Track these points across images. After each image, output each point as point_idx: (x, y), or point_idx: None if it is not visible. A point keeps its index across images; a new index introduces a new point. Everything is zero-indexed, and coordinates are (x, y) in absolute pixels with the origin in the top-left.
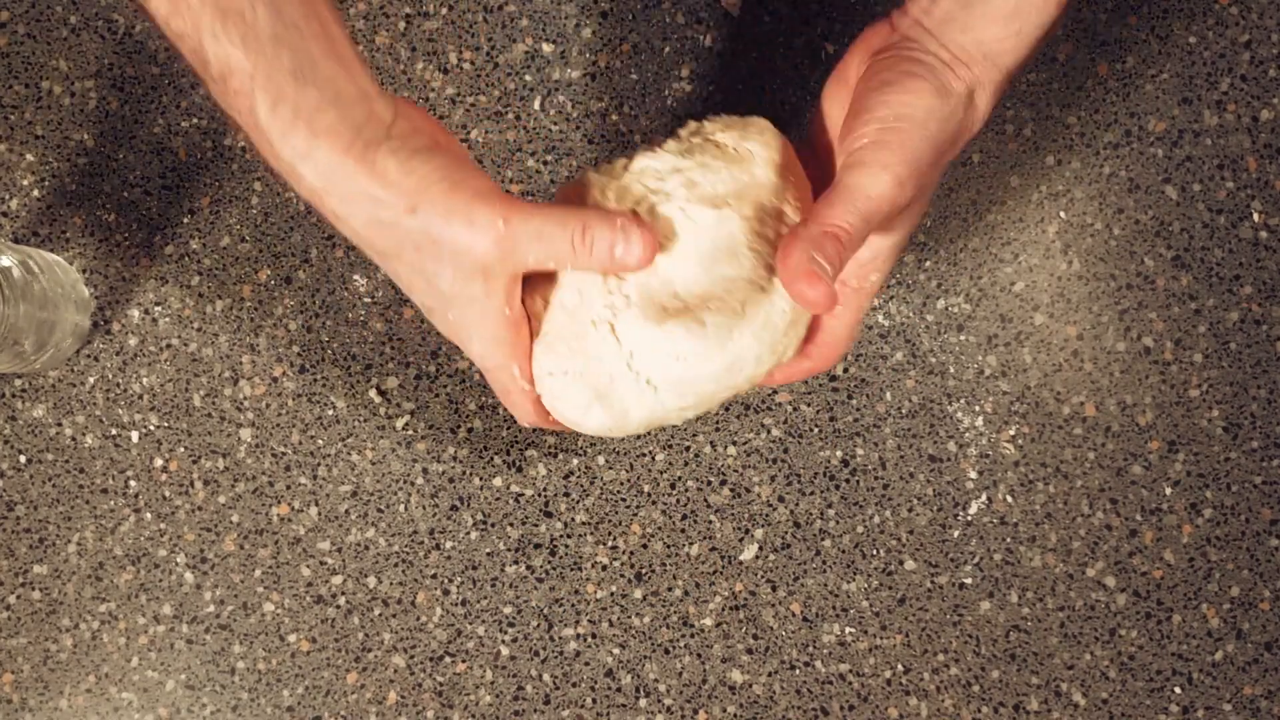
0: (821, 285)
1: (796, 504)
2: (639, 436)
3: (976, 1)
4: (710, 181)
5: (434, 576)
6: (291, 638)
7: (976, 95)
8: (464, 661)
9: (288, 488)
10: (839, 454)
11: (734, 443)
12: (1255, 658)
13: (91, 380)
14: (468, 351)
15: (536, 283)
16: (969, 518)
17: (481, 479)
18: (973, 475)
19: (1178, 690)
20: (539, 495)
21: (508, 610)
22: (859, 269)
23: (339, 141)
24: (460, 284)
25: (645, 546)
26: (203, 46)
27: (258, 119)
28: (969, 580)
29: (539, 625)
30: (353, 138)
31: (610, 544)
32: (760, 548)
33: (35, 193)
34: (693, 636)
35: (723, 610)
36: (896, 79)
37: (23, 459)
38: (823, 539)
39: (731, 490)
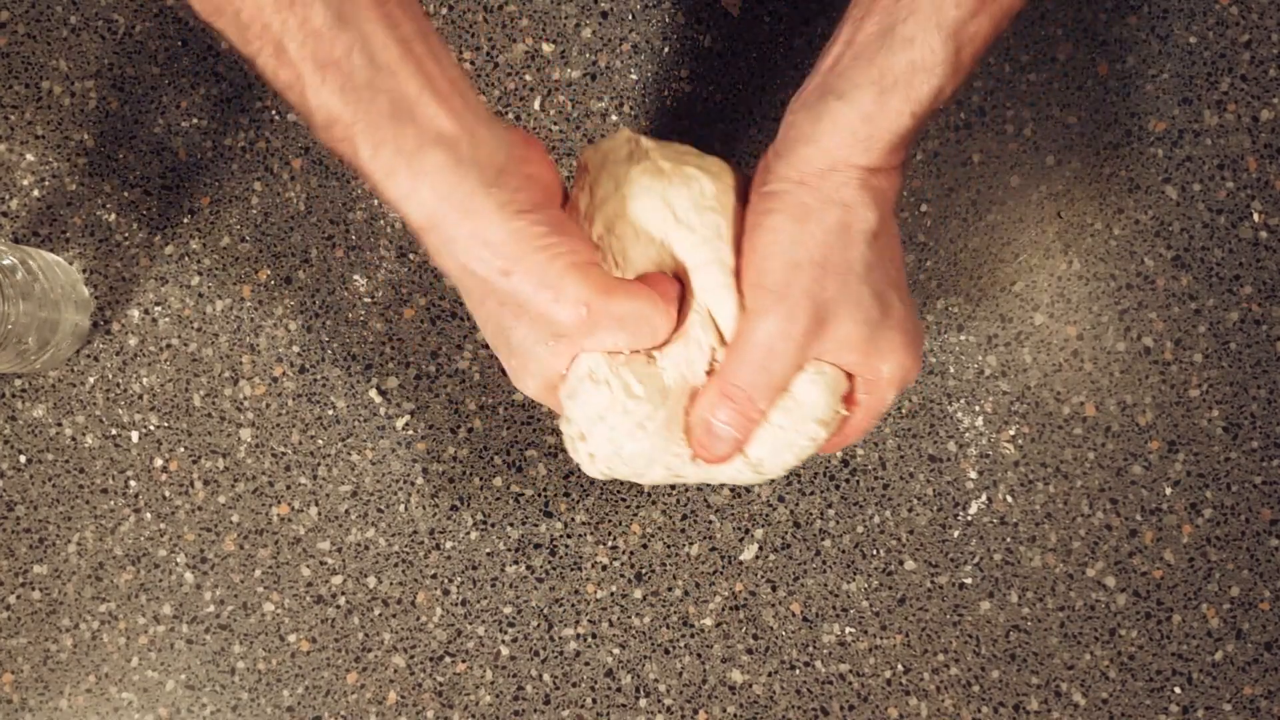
0: (708, 452)
1: (796, 504)
2: None
3: (826, 114)
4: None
5: (434, 576)
6: (291, 638)
7: (842, 196)
8: (464, 661)
9: (288, 488)
10: (839, 454)
11: None
12: (1255, 658)
13: (91, 380)
14: (524, 391)
15: None
16: (969, 518)
17: (481, 479)
18: (973, 475)
19: (1178, 690)
20: (539, 495)
21: (508, 610)
22: (865, 366)
23: (441, 184)
24: (530, 343)
25: (645, 546)
26: (305, 98)
27: (361, 163)
28: (969, 580)
29: (539, 625)
30: (457, 181)
31: (610, 544)
32: (760, 548)
33: (35, 193)
34: (693, 636)
35: (723, 610)
36: (758, 221)
37: (23, 459)
38: (823, 539)
39: (731, 490)
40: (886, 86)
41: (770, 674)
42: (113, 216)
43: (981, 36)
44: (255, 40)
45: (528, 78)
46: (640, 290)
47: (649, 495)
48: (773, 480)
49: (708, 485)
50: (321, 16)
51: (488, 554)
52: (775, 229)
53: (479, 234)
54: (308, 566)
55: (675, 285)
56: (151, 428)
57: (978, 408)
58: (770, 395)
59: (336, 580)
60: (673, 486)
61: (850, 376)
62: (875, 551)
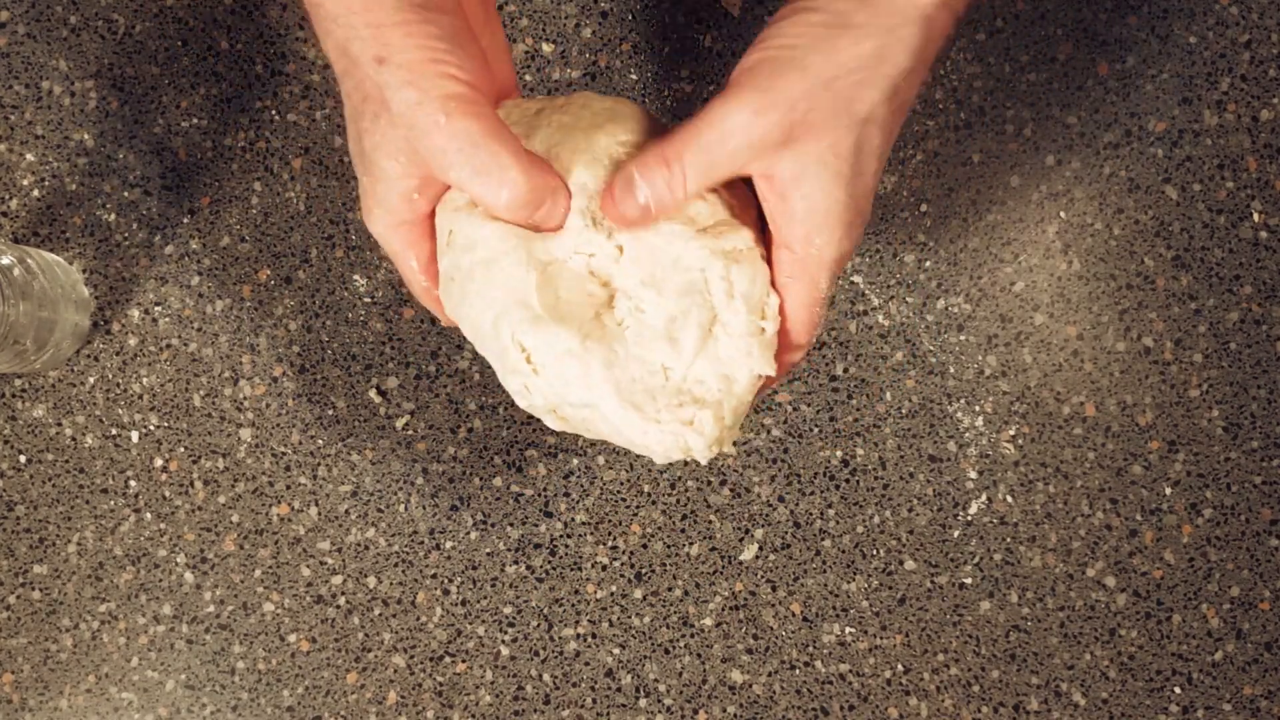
0: (618, 208)
1: (796, 504)
2: None
3: None
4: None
5: (434, 576)
6: (291, 638)
7: (893, 24)
8: (464, 661)
9: (288, 488)
10: (839, 454)
11: (734, 443)
12: (1255, 658)
13: (91, 380)
14: (370, 227)
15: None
16: (969, 518)
17: (481, 479)
18: (973, 475)
19: (1178, 690)
20: (539, 495)
21: (508, 610)
22: (799, 229)
23: None
24: (381, 155)
25: (645, 546)
26: None
27: None
28: (969, 580)
29: (539, 625)
30: None
31: (610, 544)
32: (760, 548)
33: (35, 193)
34: (693, 636)
35: (723, 610)
36: (789, 14)
37: (23, 459)
38: (823, 539)
39: (731, 490)
40: None
41: (770, 674)
42: (113, 216)
43: None
44: None
45: (528, 78)
46: (511, 139)
47: (649, 495)
48: (773, 480)
49: (707, 485)
50: None
51: (488, 554)
52: (804, 23)
53: (368, 11)
54: (308, 566)
55: (557, 175)
56: (151, 428)
57: (978, 408)
58: (701, 182)
59: (336, 580)
60: (672, 486)
61: (769, 261)
62: (875, 551)
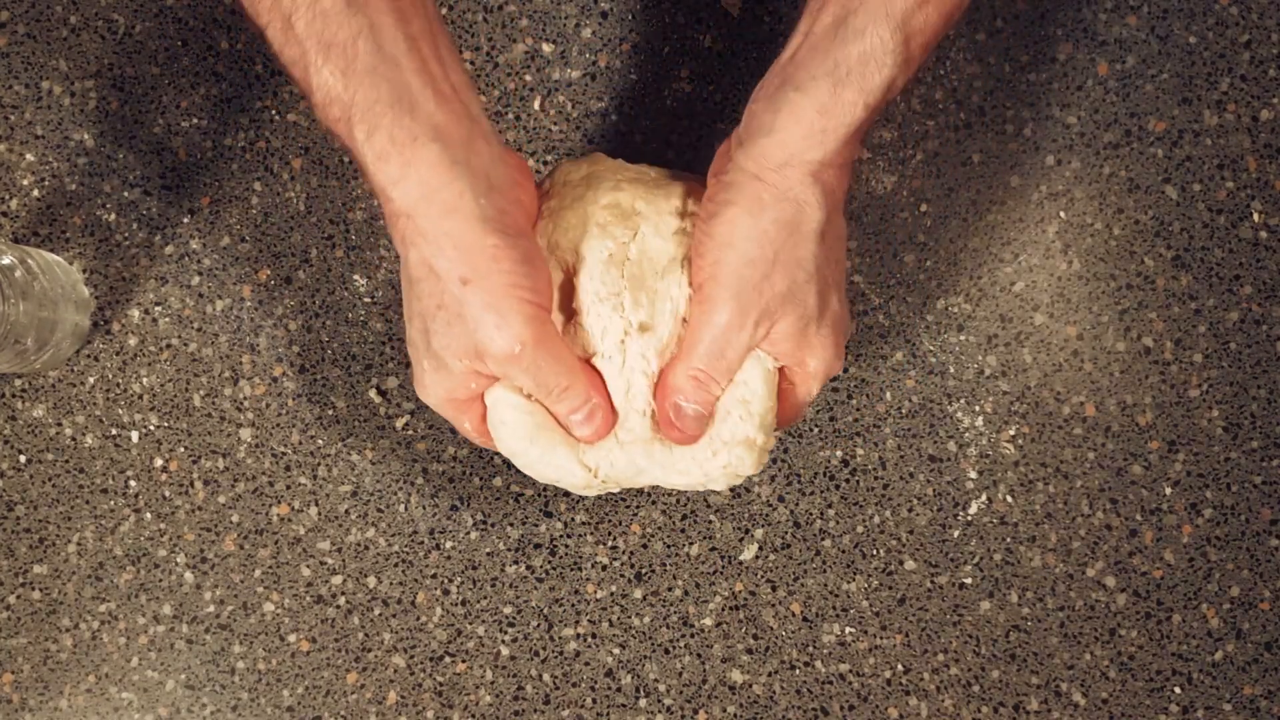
0: (682, 431)
1: (796, 504)
2: None
3: (785, 105)
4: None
5: (434, 576)
6: (291, 638)
7: (795, 193)
8: (464, 661)
9: (288, 488)
10: (839, 454)
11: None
12: (1255, 658)
13: (91, 380)
14: (423, 399)
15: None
16: (969, 518)
17: (481, 479)
18: (973, 475)
19: (1178, 690)
20: (539, 495)
21: (508, 610)
22: (795, 358)
23: (432, 178)
24: (449, 354)
25: (645, 546)
26: (308, 75)
27: (356, 144)
28: (969, 580)
29: (539, 625)
30: (447, 179)
31: (610, 544)
32: (760, 548)
33: (35, 193)
34: (693, 636)
35: (723, 610)
36: (716, 210)
37: (23, 459)
38: (823, 539)
39: (731, 490)
40: (840, 78)
41: (770, 674)
42: (113, 216)
43: (930, 28)
44: (265, 14)
45: (528, 78)
46: (566, 352)
47: (649, 495)
48: (773, 480)
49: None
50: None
51: (488, 554)
52: (731, 221)
53: (454, 235)
54: (308, 566)
55: (600, 382)
56: (151, 428)
57: (978, 408)
58: (726, 377)
59: (336, 580)
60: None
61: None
62: (875, 551)
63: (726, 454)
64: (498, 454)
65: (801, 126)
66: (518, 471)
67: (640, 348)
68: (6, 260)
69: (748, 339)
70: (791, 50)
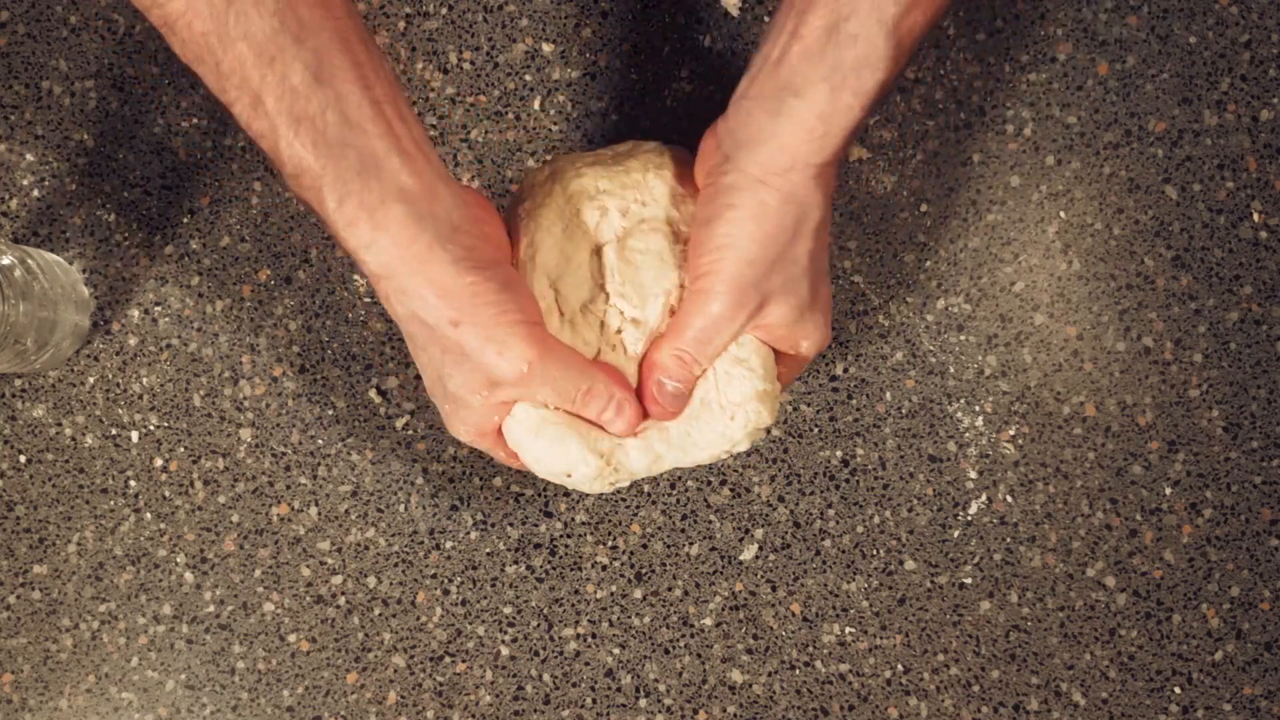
0: (664, 407)
1: (796, 504)
2: None
3: (784, 111)
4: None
5: (434, 576)
6: (291, 638)
7: (798, 194)
8: (464, 661)
9: (288, 488)
10: (839, 454)
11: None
12: (1255, 658)
13: (91, 380)
14: (458, 438)
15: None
16: (969, 518)
17: (481, 479)
18: (973, 475)
19: (1178, 690)
20: (539, 495)
21: (508, 610)
22: (786, 340)
23: (401, 236)
24: (466, 391)
25: (645, 546)
26: (278, 149)
27: (327, 212)
28: (969, 580)
29: (539, 625)
30: (415, 233)
31: (610, 544)
32: (760, 548)
33: (35, 193)
34: (693, 636)
35: (723, 610)
36: (717, 213)
37: (23, 459)
38: (823, 539)
39: (731, 490)
40: (837, 84)
41: (770, 674)
42: (113, 216)
43: (918, 28)
44: (233, 90)
45: (528, 78)
46: (575, 356)
47: (649, 495)
48: (773, 480)
49: (707, 485)
50: (300, 75)
51: (488, 554)
52: (735, 223)
53: (433, 284)
54: (308, 566)
55: (619, 375)
56: (151, 428)
57: (978, 408)
58: (709, 361)
59: (336, 580)
60: (672, 486)
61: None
62: (875, 551)
63: (742, 414)
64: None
65: (803, 132)
66: (518, 471)
67: (634, 337)
68: (6, 260)
69: (737, 328)
70: (780, 50)
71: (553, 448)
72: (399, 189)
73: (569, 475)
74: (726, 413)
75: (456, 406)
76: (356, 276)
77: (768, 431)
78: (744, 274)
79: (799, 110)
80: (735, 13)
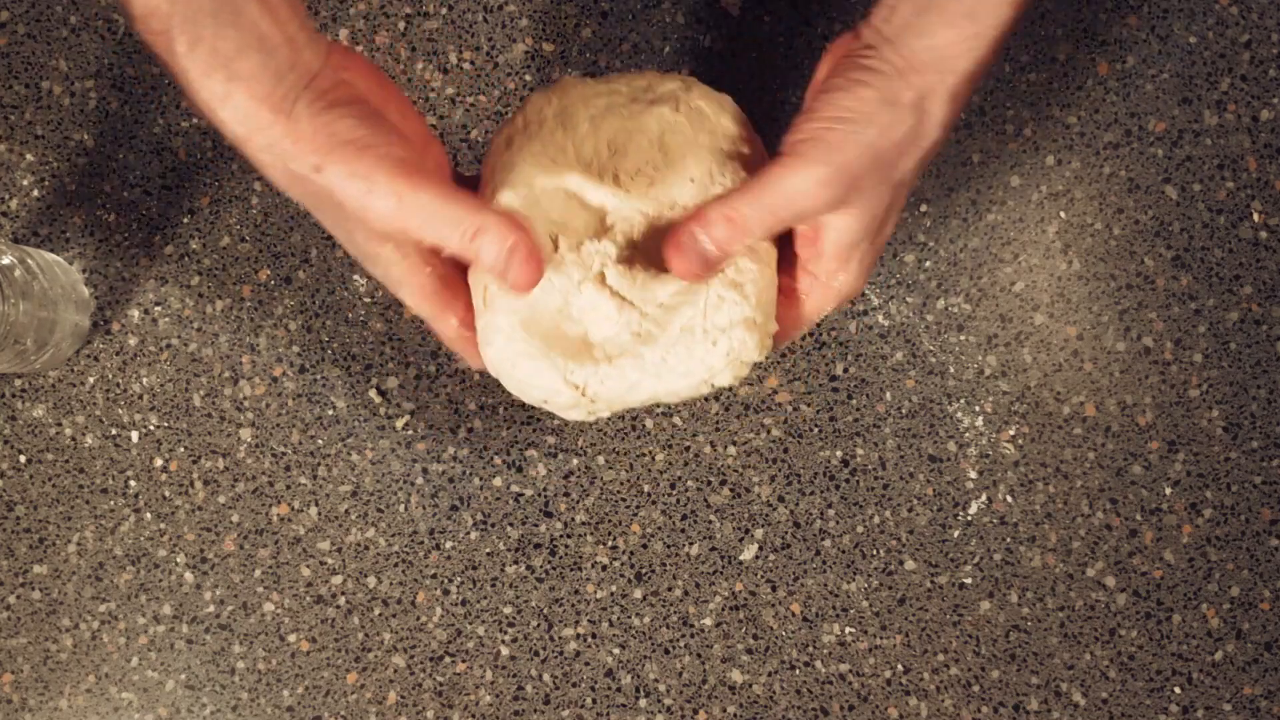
0: (687, 263)
1: (796, 504)
2: (639, 436)
3: (933, 7)
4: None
5: (434, 576)
6: (291, 638)
7: (928, 103)
8: (464, 661)
9: (288, 488)
10: (839, 454)
11: (734, 443)
12: (1255, 658)
13: (91, 380)
14: (405, 304)
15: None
16: (969, 518)
17: (481, 479)
18: (973, 475)
19: (1178, 690)
20: (539, 495)
21: (508, 610)
22: (826, 265)
23: (258, 88)
24: (373, 245)
25: (645, 546)
26: None
27: (176, 58)
28: (969, 580)
29: (539, 625)
30: (272, 86)
31: (610, 544)
32: (760, 548)
33: (35, 193)
34: (693, 636)
35: (723, 610)
36: (845, 85)
37: (23, 459)
38: (823, 539)
39: (731, 490)
40: None
41: (770, 674)
42: (113, 216)
43: None
44: None
45: (528, 78)
46: (463, 194)
47: (649, 495)
48: (773, 480)
49: (707, 485)
50: None
51: (488, 554)
52: (864, 100)
53: (291, 131)
54: (308, 566)
55: (520, 224)
56: (151, 428)
57: (978, 408)
58: (760, 236)
59: (336, 580)
60: (672, 486)
61: (793, 273)
62: (875, 551)
63: (726, 340)
64: (496, 451)
65: (951, 30)
66: (518, 471)
67: (601, 249)
68: (6, 260)
69: (810, 213)
70: None
71: (529, 379)
72: (258, 37)
73: (546, 402)
74: (710, 337)
75: (374, 265)
76: (357, 276)
77: (753, 372)
78: (849, 155)
79: (945, 6)
80: (735, 13)
